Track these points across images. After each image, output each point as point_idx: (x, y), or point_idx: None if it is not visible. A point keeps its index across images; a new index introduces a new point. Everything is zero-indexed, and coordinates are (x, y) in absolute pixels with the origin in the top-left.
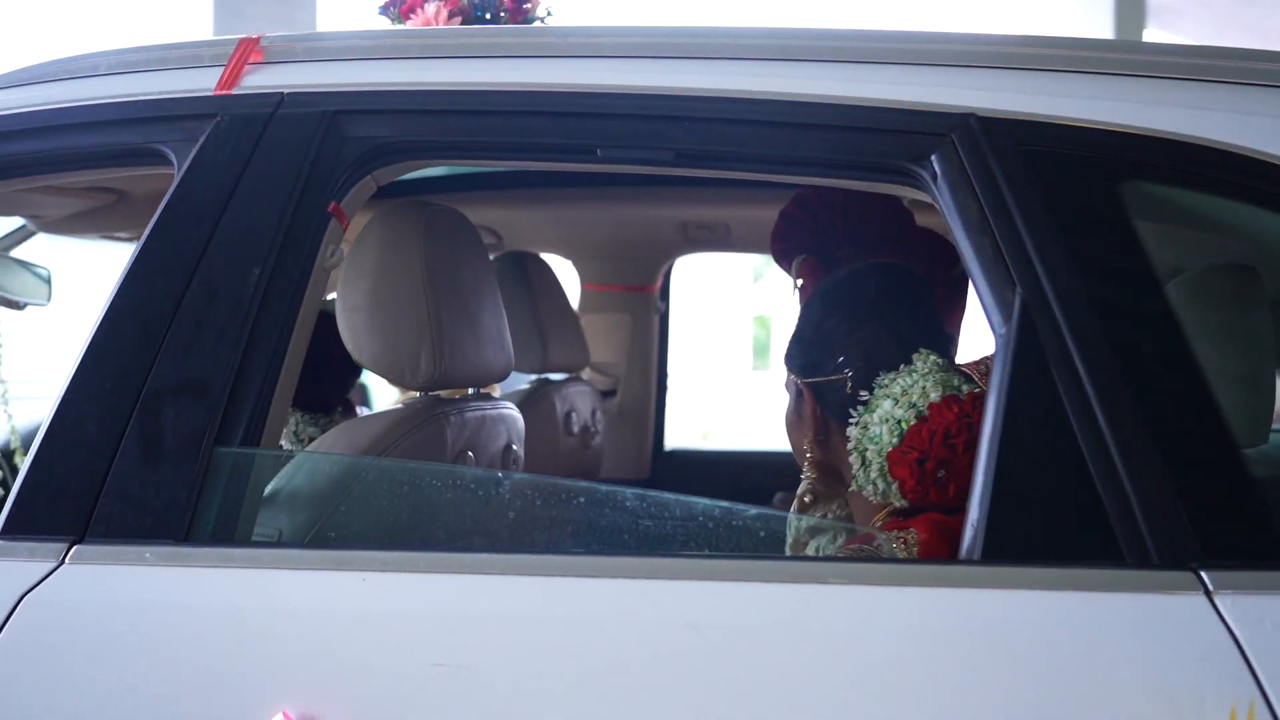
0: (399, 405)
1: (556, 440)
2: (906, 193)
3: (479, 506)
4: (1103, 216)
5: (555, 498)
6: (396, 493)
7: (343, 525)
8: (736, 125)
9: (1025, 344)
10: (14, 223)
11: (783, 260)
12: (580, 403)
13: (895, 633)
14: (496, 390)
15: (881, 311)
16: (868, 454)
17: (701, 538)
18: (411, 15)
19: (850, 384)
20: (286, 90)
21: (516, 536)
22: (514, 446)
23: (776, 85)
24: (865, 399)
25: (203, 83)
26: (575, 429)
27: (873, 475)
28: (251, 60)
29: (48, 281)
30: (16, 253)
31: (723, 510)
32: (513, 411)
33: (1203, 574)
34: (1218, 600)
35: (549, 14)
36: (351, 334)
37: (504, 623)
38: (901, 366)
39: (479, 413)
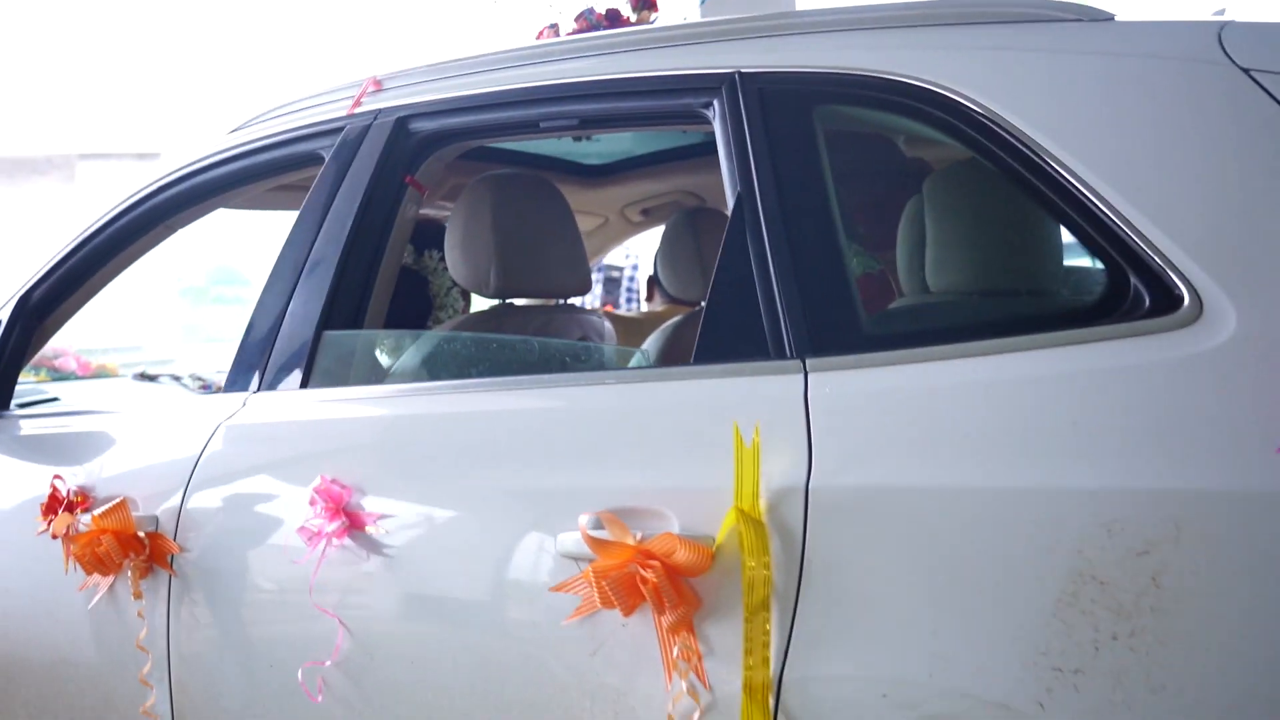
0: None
1: None
2: (708, 129)
3: (470, 355)
4: (797, 133)
5: (500, 346)
6: (431, 352)
7: (402, 373)
8: (603, 98)
9: (735, 225)
10: None
11: None
12: None
13: (646, 409)
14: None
15: None
16: None
17: (592, 363)
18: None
19: None
20: (380, 107)
21: (492, 369)
22: (589, 340)
23: (628, 65)
24: None
25: (343, 107)
26: None
27: None
28: (372, 90)
29: None
30: None
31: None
32: (589, 315)
33: (806, 360)
34: (810, 377)
35: (654, 19)
36: (451, 262)
37: (462, 418)
38: None
39: (546, 315)
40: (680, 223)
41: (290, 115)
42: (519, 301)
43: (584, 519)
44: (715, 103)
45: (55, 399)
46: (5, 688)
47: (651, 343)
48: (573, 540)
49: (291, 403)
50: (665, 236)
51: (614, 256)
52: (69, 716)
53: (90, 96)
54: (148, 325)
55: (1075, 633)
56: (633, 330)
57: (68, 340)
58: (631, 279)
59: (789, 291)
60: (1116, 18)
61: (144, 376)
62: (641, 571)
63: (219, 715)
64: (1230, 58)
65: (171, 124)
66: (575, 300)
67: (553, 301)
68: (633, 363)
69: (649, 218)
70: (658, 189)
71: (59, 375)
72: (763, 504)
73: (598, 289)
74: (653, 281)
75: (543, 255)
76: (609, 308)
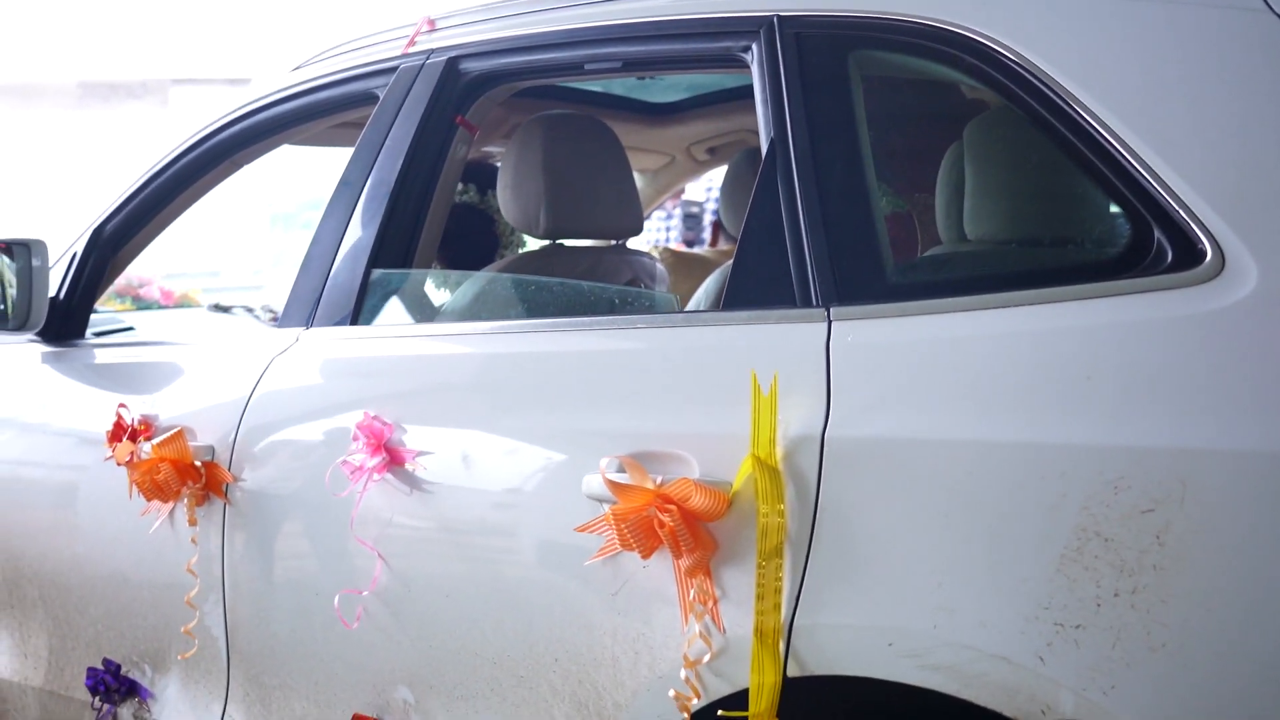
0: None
1: None
2: (746, 73)
3: (511, 296)
4: (833, 79)
5: (539, 289)
6: (476, 294)
7: (446, 312)
8: (644, 41)
9: (767, 171)
10: None
11: None
12: None
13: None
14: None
15: None
16: None
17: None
18: None
19: None
20: (433, 47)
21: (531, 311)
22: (638, 282)
23: (672, 7)
24: None
25: (399, 47)
26: None
27: None
28: (426, 30)
29: None
30: None
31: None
32: (640, 256)
33: (831, 309)
34: (833, 326)
35: None
36: (504, 203)
37: (498, 360)
38: None
39: (595, 256)
40: (742, 163)
41: (348, 54)
42: (569, 242)
43: (605, 462)
44: (754, 46)
45: (130, 328)
46: (78, 605)
47: (709, 284)
48: (596, 483)
49: (340, 339)
50: (727, 177)
51: (695, 192)
52: (133, 635)
53: (184, 22)
54: (233, 251)
55: (1078, 588)
56: (693, 268)
57: (155, 266)
58: (715, 212)
59: (817, 240)
60: None
61: (218, 308)
62: (659, 515)
63: (270, 639)
64: (1270, 5)
65: (263, 51)
66: (634, 241)
67: (605, 242)
68: (666, 308)
69: (715, 156)
70: (723, 128)
71: (143, 304)
72: (779, 452)
73: (678, 224)
74: (716, 225)
75: (593, 196)
76: (680, 246)
